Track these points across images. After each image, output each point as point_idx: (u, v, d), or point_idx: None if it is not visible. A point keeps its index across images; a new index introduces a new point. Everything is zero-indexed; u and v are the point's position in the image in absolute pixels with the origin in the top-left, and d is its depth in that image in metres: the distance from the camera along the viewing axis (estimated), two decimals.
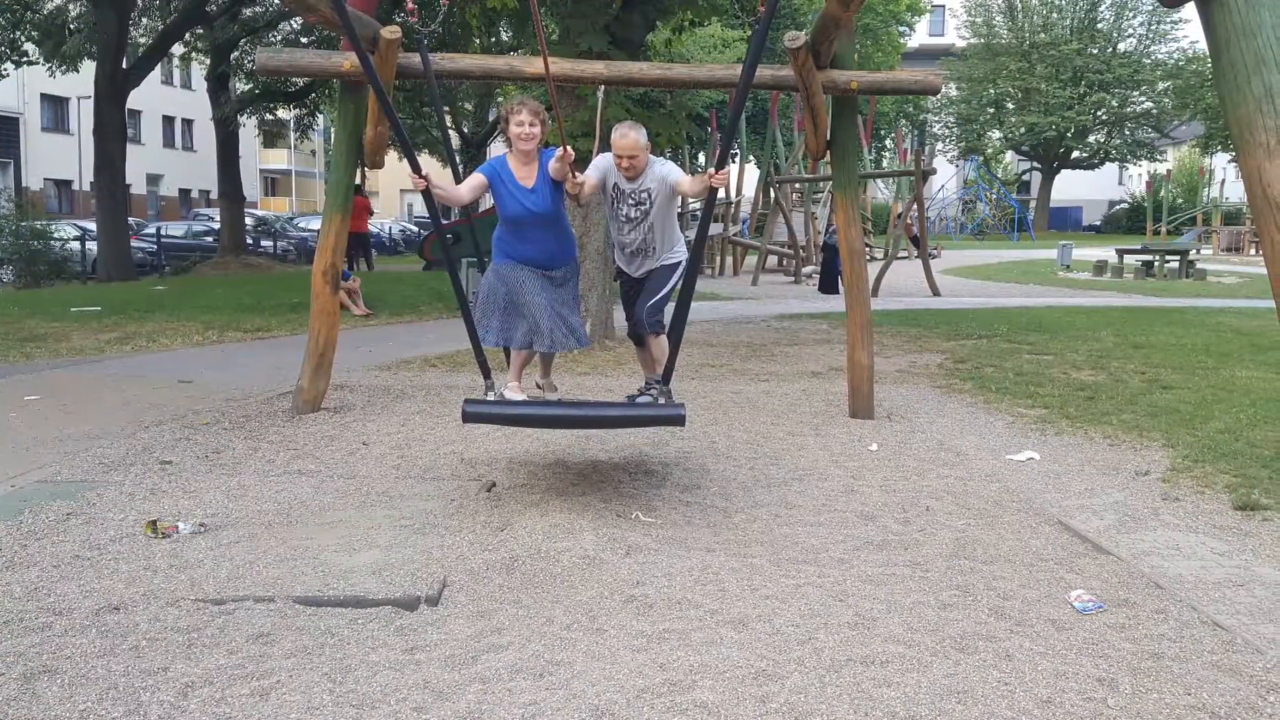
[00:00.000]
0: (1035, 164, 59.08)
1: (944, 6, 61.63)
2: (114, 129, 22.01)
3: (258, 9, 26.09)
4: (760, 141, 29.45)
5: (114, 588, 4.10)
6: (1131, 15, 54.40)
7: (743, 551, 4.66)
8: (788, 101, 31.03)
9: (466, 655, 3.56)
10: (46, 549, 4.55)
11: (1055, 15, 54.86)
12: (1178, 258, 24.34)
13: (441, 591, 4.12)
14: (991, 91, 56.20)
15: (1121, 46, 54.86)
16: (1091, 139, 56.18)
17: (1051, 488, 5.85)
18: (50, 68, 24.33)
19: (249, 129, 33.60)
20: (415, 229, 42.39)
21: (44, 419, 7.37)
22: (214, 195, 37.01)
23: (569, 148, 5.13)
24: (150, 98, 43.79)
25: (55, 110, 43.30)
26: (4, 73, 24.05)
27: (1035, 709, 3.20)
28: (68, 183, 44.15)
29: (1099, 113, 54.25)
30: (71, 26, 23.04)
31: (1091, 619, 3.90)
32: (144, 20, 26.30)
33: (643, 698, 3.25)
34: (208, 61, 27.07)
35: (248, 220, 30.44)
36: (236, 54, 26.22)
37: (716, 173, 5.09)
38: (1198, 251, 28.55)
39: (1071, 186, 60.96)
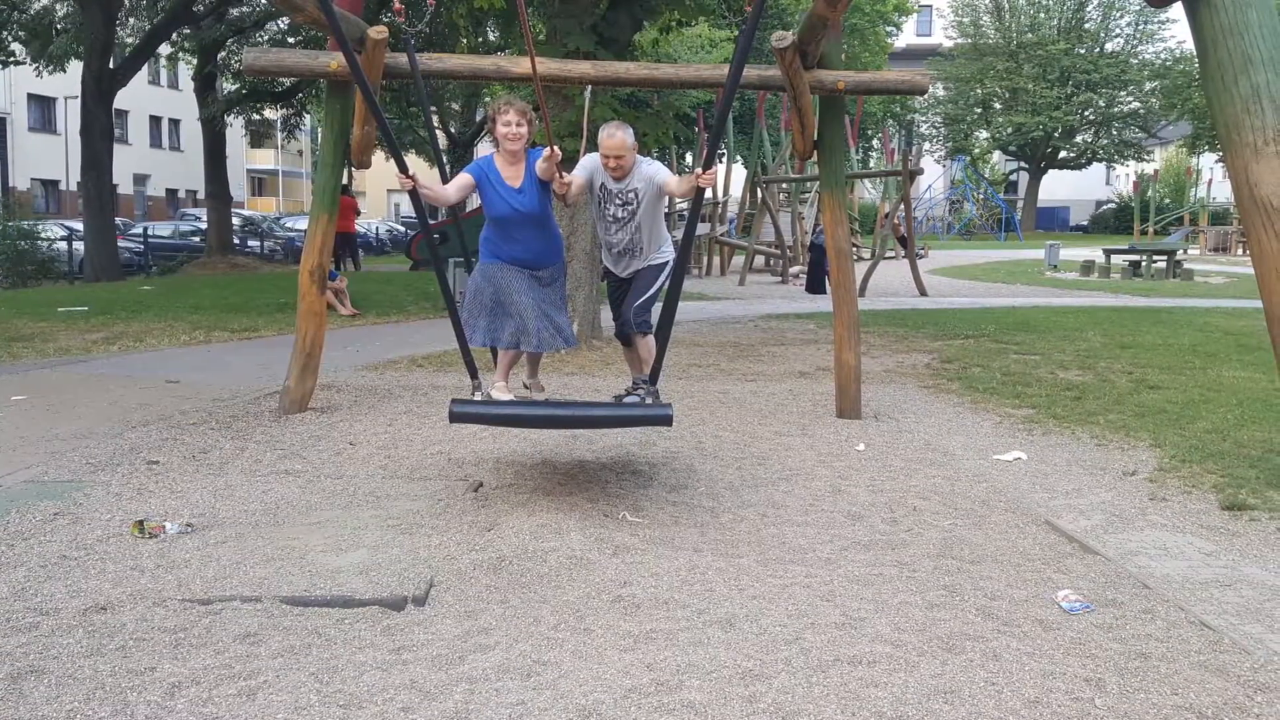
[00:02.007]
0: (1022, 164, 59.26)
1: (931, 7, 61.76)
2: (101, 129, 21.93)
3: (244, 9, 26.02)
4: (747, 141, 29.49)
5: (101, 588, 4.08)
6: (1119, 15, 54.67)
7: (730, 551, 4.66)
8: (775, 101, 31.08)
9: (453, 655, 3.55)
10: (33, 549, 4.53)
11: (1042, 15, 55.07)
12: (1165, 258, 24.44)
13: (428, 591, 4.11)
14: (979, 91, 56.38)
15: (1109, 46, 55.12)
16: (1079, 139, 56.43)
17: (1039, 488, 5.86)
18: (37, 68, 24.24)
19: (236, 129, 33.50)
20: (402, 229, 42.26)
21: (30, 419, 7.33)
22: (201, 195, 36.90)
23: (556, 147, 5.13)
24: (137, 98, 43.61)
25: (42, 110, 43.12)
26: None
27: (1023, 709, 3.20)
28: (55, 183, 44.00)
29: (1086, 113, 54.50)
30: (58, 26, 22.95)
31: (1079, 619, 3.91)
32: (131, 20, 26.21)
33: (630, 698, 3.25)
34: (194, 61, 26.98)
35: (235, 220, 30.36)
36: (223, 54, 26.16)
37: (704, 172, 5.10)
38: (1185, 251, 28.66)
39: (1059, 186, 61.19)
